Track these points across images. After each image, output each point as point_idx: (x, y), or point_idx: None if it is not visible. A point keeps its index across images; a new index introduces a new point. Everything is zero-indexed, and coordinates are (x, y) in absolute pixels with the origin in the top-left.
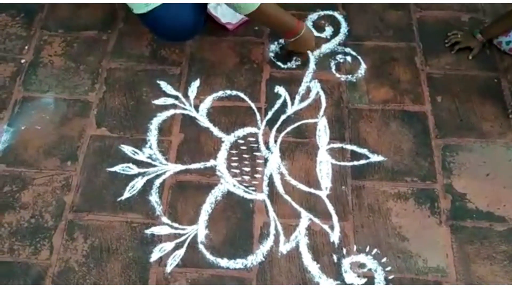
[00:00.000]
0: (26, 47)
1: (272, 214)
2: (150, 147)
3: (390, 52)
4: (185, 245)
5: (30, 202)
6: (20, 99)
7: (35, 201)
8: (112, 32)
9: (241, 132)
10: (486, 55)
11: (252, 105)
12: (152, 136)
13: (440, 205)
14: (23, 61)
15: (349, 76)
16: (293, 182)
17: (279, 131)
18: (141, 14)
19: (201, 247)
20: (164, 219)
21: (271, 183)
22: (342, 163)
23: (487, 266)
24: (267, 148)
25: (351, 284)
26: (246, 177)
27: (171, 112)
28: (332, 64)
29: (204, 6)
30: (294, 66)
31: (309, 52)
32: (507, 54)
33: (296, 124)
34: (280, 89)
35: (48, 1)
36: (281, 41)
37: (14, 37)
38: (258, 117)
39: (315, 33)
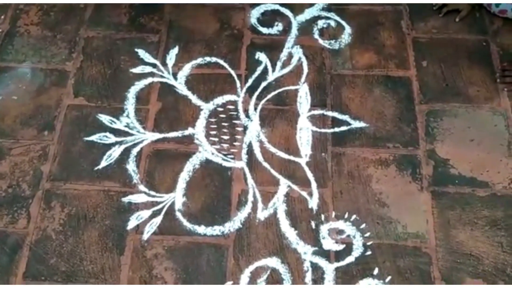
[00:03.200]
0: (2, 17)
1: (250, 181)
2: (127, 115)
3: (376, 16)
4: (162, 212)
5: (7, 172)
6: None
7: (12, 170)
8: (90, 0)
9: (220, 100)
10: (475, 18)
11: (232, 72)
12: (130, 104)
13: (422, 171)
14: None
15: (332, 42)
16: (273, 149)
17: (259, 98)
18: None
19: (178, 214)
20: (141, 187)
21: (250, 151)
22: (323, 130)
23: (467, 231)
24: (247, 116)
25: (329, 250)
26: (225, 145)
27: (149, 80)
28: (315, 29)
29: None
30: (275, 32)
31: (291, 17)
32: (497, 16)
33: (276, 91)
34: (261, 56)
35: None
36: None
37: None
38: (238, 84)
39: None
